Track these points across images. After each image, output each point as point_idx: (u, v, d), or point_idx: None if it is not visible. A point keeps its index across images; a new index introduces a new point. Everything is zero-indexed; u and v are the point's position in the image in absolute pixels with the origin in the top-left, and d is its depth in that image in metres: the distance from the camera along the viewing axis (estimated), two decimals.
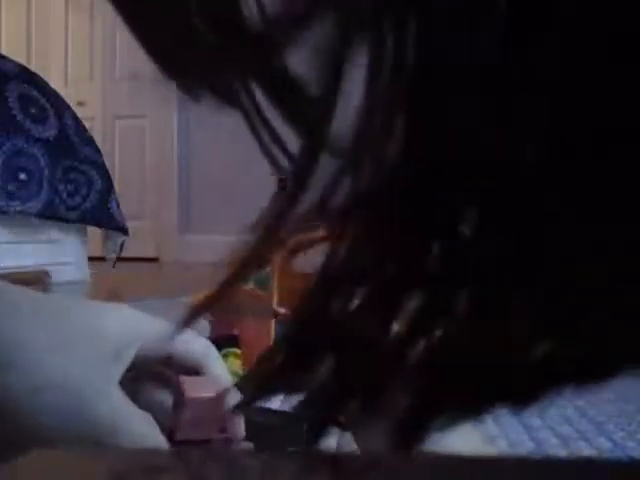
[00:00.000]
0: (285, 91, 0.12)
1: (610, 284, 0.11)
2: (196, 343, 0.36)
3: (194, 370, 0.36)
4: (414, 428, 0.13)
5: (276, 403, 0.32)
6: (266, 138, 0.13)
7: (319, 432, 0.14)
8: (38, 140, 2.28)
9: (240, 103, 0.13)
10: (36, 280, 2.49)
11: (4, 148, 2.16)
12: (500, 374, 0.13)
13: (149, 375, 0.36)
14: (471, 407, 0.13)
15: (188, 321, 0.14)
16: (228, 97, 0.13)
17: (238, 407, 0.15)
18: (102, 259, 2.75)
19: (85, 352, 0.32)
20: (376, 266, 0.13)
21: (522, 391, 0.13)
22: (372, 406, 0.14)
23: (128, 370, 0.33)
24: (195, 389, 0.34)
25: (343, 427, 0.14)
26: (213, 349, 0.37)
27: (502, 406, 0.13)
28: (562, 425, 0.80)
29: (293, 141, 0.12)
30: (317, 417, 0.14)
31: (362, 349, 0.13)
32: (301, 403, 0.14)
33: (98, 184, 2.53)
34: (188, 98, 0.13)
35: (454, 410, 0.13)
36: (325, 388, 0.14)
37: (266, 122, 0.13)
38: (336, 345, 0.13)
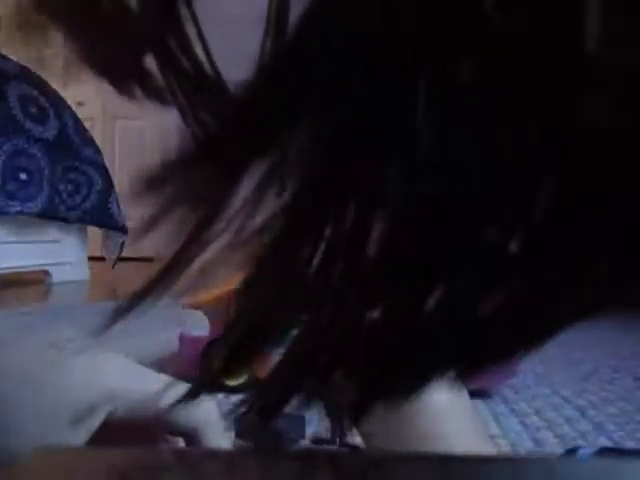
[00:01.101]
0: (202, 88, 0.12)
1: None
2: (195, 405, 0.30)
3: (189, 434, 0.31)
4: (358, 407, 0.13)
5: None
6: (201, 135, 0.13)
7: (268, 418, 0.14)
8: (38, 140, 2.27)
9: (174, 100, 0.13)
10: (36, 280, 2.49)
11: (4, 148, 2.16)
12: (445, 339, 0.13)
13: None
14: (416, 377, 0.13)
15: (110, 324, 0.13)
16: (159, 94, 0.13)
17: (180, 402, 0.14)
18: (102, 259, 2.75)
19: (41, 417, 0.28)
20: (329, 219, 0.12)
21: (468, 356, 0.13)
22: (320, 389, 0.13)
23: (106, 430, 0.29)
24: None
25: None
26: (214, 415, 0.32)
27: (447, 373, 0.13)
28: (562, 425, 0.80)
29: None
30: (265, 405, 0.14)
31: (312, 331, 0.13)
32: (252, 393, 0.14)
33: (98, 184, 2.53)
34: (122, 94, 0.13)
35: (397, 386, 0.13)
36: (274, 375, 0.13)
37: (200, 120, 0.13)
38: (280, 330, 0.13)
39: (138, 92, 0.13)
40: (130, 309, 0.13)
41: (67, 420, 0.29)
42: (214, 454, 0.14)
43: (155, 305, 0.13)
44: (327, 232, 0.12)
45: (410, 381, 0.13)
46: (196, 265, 0.13)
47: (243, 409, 0.14)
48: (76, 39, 0.13)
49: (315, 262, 0.12)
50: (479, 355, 0.13)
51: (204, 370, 0.14)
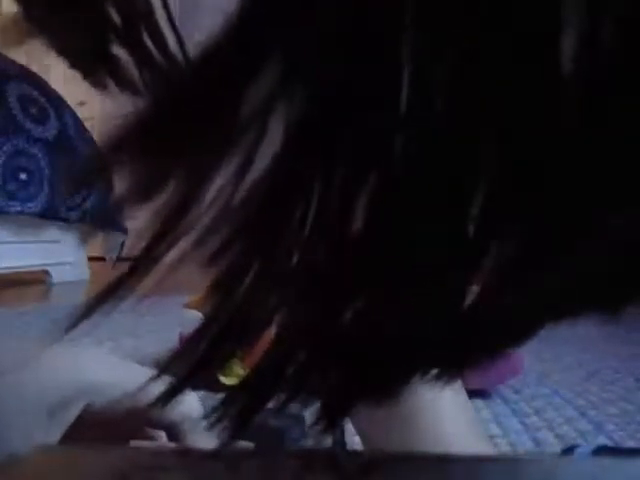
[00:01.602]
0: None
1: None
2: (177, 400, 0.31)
3: (170, 429, 0.32)
4: (336, 410, 0.13)
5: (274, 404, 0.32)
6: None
7: (247, 420, 0.13)
8: (38, 140, 2.27)
9: (147, 90, 0.12)
10: (36, 280, 2.49)
11: (4, 148, 2.15)
12: (422, 339, 0.12)
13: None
14: (396, 379, 0.13)
15: (76, 323, 0.13)
16: (131, 84, 0.13)
17: (155, 404, 0.14)
18: (102, 259, 2.75)
19: (23, 411, 0.28)
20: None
21: (446, 356, 0.13)
22: (297, 392, 0.13)
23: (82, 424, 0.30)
24: None
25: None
26: (197, 410, 0.32)
27: (427, 373, 0.13)
28: (562, 425, 0.80)
29: None
30: (241, 410, 0.14)
31: (283, 334, 0.13)
32: (226, 396, 0.14)
33: None
34: (94, 86, 0.13)
35: (375, 388, 0.13)
36: (253, 375, 0.13)
37: None
38: (250, 330, 0.13)
39: (110, 83, 0.13)
40: (97, 308, 0.13)
41: (45, 413, 0.29)
42: (214, 454, 0.14)
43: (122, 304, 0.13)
44: (310, 212, 0.11)
45: (392, 379, 0.13)
46: (164, 262, 0.12)
47: (222, 410, 0.13)
48: (48, 30, 0.13)
49: (296, 251, 0.12)
50: (462, 353, 0.13)
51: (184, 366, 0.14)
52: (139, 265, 0.12)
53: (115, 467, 0.13)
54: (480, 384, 0.88)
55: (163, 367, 0.14)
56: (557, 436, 0.76)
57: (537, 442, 0.74)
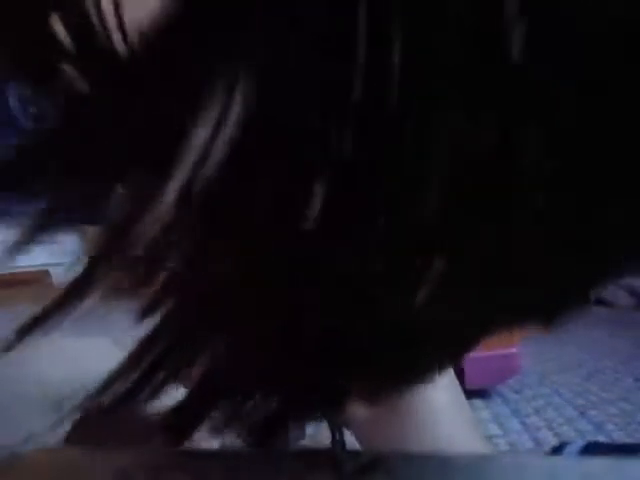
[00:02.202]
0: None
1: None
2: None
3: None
4: (272, 427, 0.13)
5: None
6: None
7: (180, 440, 0.13)
8: None
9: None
10: (36, 280, 2.49)
11: None
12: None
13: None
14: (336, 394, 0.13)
15: (20, 338, 0.13)
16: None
17: (104, 412, 0.14)
18: None
19: (18, 406, 0.29)
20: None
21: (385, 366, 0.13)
22: (237, 408, 0.13)
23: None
24: None
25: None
26: None
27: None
28: (562, 425, 0.80)
29: None
30: (183, 421, 0.13)
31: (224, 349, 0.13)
32: (172, 408, 0.13)
33: None
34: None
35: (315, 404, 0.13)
36: (193, 392, 0.13)
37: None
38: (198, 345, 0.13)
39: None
40: (31, 331, 0.13)
41: (48, 407, 0.29)
42: (214, 454, 0.14)
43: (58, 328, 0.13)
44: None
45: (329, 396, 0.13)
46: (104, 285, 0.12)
47: (160, 429, 0.13)
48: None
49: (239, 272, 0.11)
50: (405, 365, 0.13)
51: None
52: (78, 286, 0.12)
53: (117, 467, 0.13)
54: (480, 384, 0.88)
55: (111, 380, 0.14)
56: (557, 436, 0.76)
57: (537, 442, 0.74)
